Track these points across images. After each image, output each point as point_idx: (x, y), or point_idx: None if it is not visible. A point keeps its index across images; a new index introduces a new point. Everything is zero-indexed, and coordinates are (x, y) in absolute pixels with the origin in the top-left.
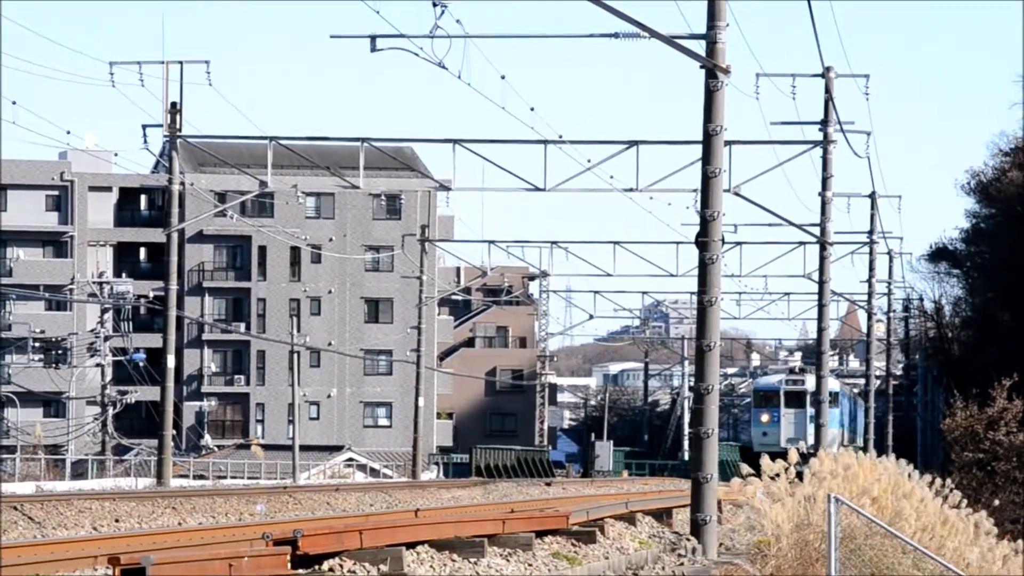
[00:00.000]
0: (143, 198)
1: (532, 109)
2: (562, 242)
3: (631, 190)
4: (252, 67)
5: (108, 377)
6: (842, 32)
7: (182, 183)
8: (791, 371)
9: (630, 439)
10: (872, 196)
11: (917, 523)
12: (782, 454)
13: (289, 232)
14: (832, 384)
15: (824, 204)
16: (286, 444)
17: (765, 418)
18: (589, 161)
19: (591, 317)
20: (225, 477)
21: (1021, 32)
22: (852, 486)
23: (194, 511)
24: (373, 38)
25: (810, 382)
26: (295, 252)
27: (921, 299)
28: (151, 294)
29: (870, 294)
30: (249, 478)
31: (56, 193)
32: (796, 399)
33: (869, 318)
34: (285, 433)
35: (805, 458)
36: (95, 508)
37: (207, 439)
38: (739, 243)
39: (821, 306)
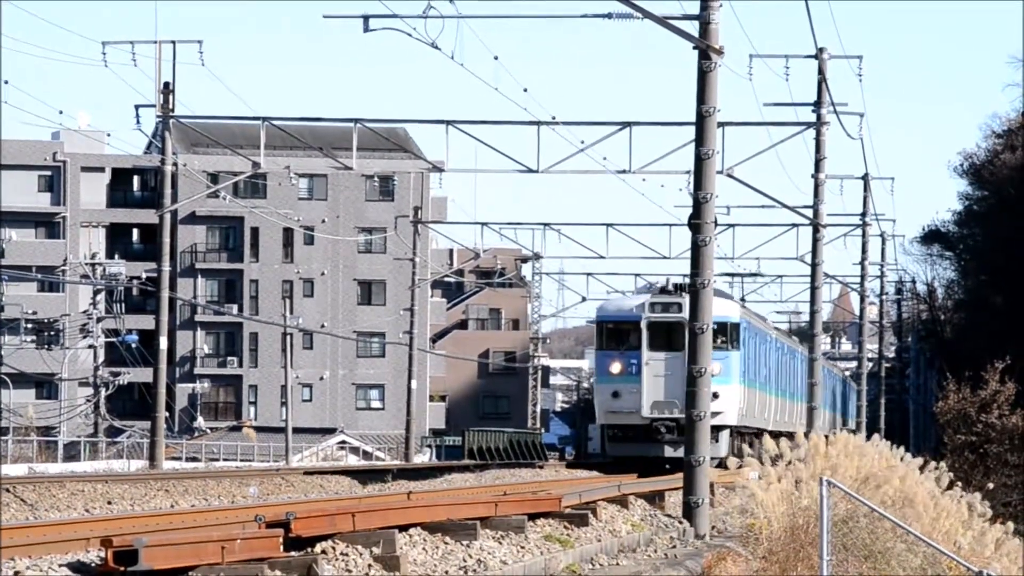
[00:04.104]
0: (136, 179)
1: (525, 90)
2: (555, 224)
3: (624, 172)
4: (245, 47)
5: (101, 359)
6: (835, 13)
7: (175, 164)
8: (661, 289)
9: None
10: (865, 178)
11: (913, 508)
12: (644, 429)
13: (282, 213)
14: (727, 309)
15: (817, 186)
16: (279, 426)
17: (616, 368)
18: (582, 143)
19: (584, 299)
20: (218, 459)
21: (1021, 14)
22: (849, 469)
23: (187, 493)
24: (366, 18)
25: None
26: (288, 233)
27: (914, 281)
28: (144, 275)
29: (863, 276)
30: (242, 460)
31: (48, 174)
32: (667, 335)
33: (862, 300)
34: (278, 415)
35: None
36: (87, 490)
37: (200, 421)
38: (732, 225)
39: (814, 288)
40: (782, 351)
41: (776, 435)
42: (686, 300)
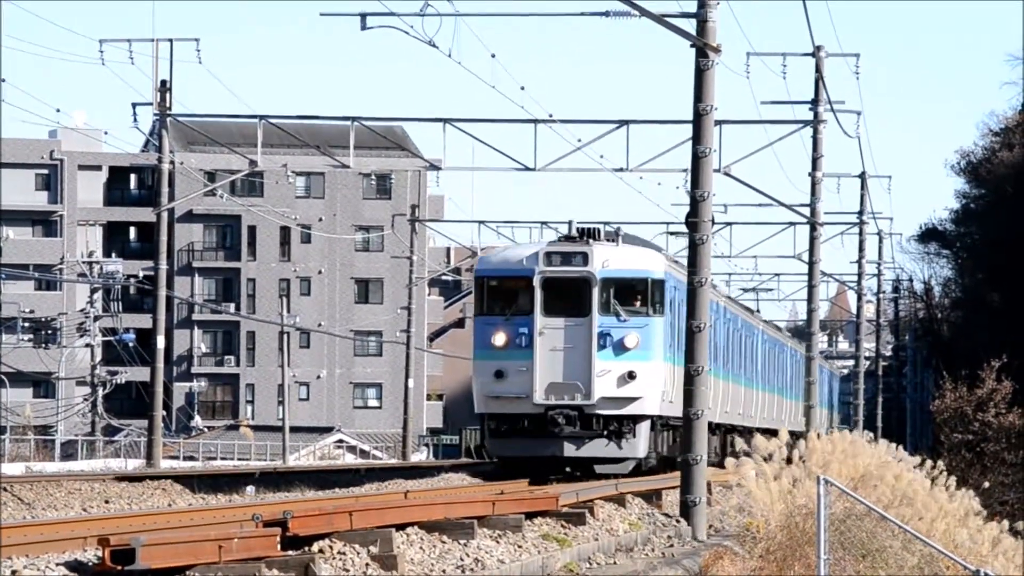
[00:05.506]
0: (133, 177)
1: (522, 88)
2: (552, 222)
3: (621, 170)
4: (242, 45)
5: (98, 357)
6: (833, 11)
7: (172, 162)
8: (565, 237)
9: None
10: (862, 176)
11: (910, 507)
12: (536, 421)
13: (279, 212)
14: (647, 262)
15: (814, 184)
16: (276, 425)
17: (500, 339)
18: (579, 141)
19: None
20: (215, 458)
21: (1020, 12)
22: (844, 468)
23: (184, 492)
24: (363, 16)
25: (602, 255)
26: (285, 232)
27: (911, 280)
28: (141, 274)
29: (860, 275)
30: (239, 459)
31: (46, 172)
32: (568, 296)
33: (859, 299)
34: (275, 414)
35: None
36: (85, 489)
37: (197, 420)
38: (729, 223)
39: (811, 287)
40: (735, 324)
41: (729, 431)
42: (595, 249)
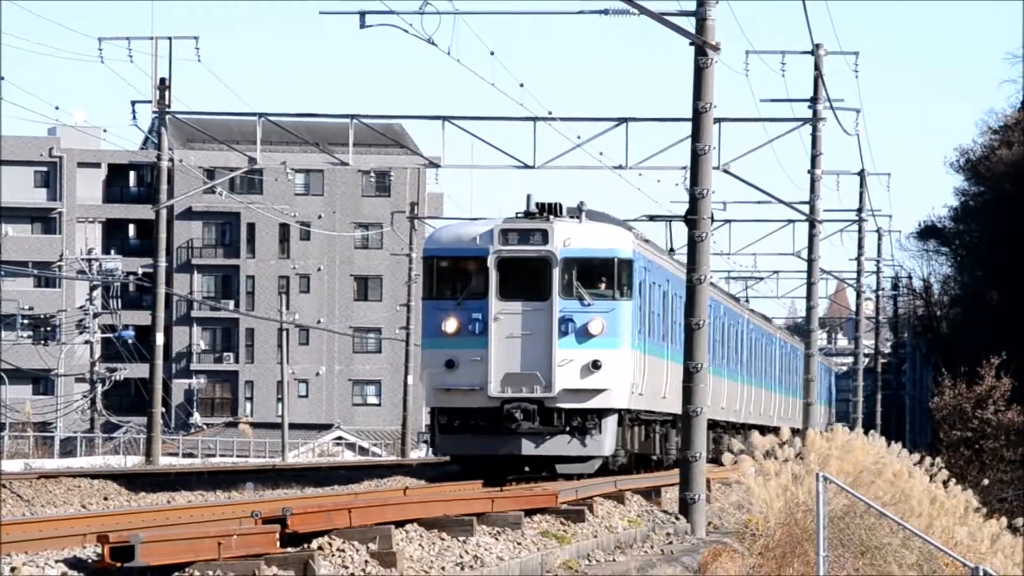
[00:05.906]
0: (132, 174)
1: (521, 85)
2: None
3: (620, 167)
4: (241, 43)
5: (97, 354)
6: (832, 9)
7: (171, 159)
8: (525, 213)
9: None
10: (861, 174)
11: (909, 504)
12: (491, 416)
13: (278, 209)
14: (613, 239)
15: (813, 182)
16: (275, 422)
17: (451, 325)
18: (579, 138)
19: None
20: (214, 455)
21: (1020, 10)
22: (844, 465)
23: (183, 489)
24: (363, 14)
25: (563, 232)
26: (284, 229)
27: (910, 277)
28: (140, 271)
29: (859, 272)
30: (238, 456)
31: (45, 169)
32: (526, 278)
33: (858, 296)
34: (274, 411)
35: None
36: (84, 486)
37: (196, 417)
38: (728, 221)
39: (810, 284)
40: (715, 311)
41: (711, 427)
42: (555, 226)
